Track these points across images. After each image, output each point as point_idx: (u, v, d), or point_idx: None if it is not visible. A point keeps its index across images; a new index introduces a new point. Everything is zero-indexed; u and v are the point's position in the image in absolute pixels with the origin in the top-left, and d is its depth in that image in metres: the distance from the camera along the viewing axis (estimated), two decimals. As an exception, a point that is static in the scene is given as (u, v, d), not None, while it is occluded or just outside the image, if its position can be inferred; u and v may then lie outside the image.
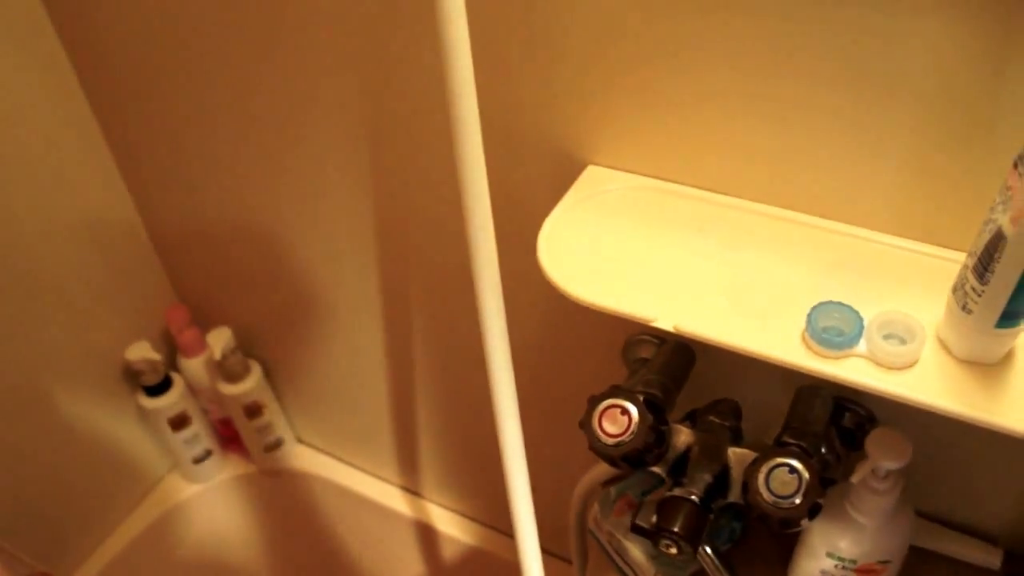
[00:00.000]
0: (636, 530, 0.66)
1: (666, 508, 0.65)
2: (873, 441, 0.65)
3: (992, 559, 0.78)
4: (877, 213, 0.65)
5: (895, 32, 0.56)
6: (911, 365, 0.57)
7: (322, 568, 1.50)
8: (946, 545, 0.79)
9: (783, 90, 0.62)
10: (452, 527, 1.28)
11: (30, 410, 1.15)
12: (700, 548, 0.67)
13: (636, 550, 0.74)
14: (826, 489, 0.66)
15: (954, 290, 0.57)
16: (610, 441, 0.64)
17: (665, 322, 0.60)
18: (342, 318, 1.11)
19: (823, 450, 0.68)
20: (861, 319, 0.58)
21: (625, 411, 0.64)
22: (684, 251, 0.66)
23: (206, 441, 1.33)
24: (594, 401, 0.65)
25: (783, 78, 0.61)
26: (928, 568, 0.79)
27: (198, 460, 1.34)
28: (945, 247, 0.64)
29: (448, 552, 1.31)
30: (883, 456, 0.64)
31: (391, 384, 1.16)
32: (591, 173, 0.74)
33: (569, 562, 0.96)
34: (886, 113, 0.59)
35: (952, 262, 0.61)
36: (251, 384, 1.25)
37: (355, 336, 1.13)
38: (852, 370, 0.57)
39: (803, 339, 0.59)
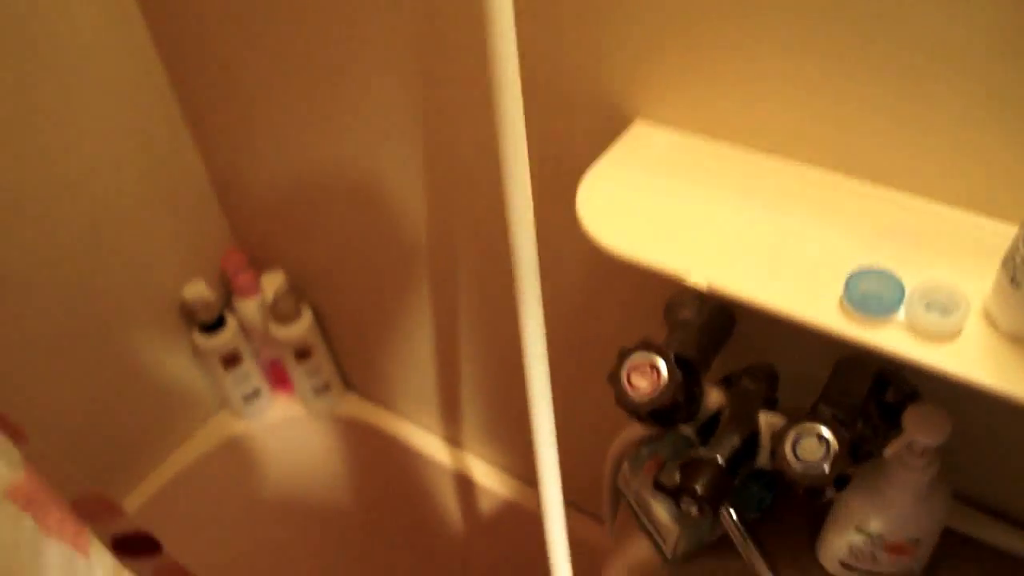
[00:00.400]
0: (659, 487, 0.66)
1: (689, 468, 0.64)
2: (911, 416, 0.63)
3: (1028, 546, 0.76)
4: (931, 181, 0.63)
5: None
6: (952, 337, 0.55)
7: (363, 511, 1.53)
8: (983, 531, 0.77)
9: (842, 50, 0.60)
10: (491, 480, 1.29)
11: (90, 341, 1.19)
12: (722, 510, 0.66)
13: (661, 509, 0.74)
14: (859, 461, 0.64)
15: (1004, 262, 0.55)
16: (637, 396, 0.63)
17: (699, 277, 0.59)
18: (392, 267, 1.12)
19: (860, 423, 0.67)
20: (902, 286, 0.56)
21: (655, 367, 0.64)
22: (727, 210, 0.65)
23: (256, 380, 1.36)
24: (624, 355, 0.65)
25: (843, 38, 0.59)
26: (962, 553, 0.76)
27: (248, 398, 1.37)
28: (1002, 219, 0.61)
29: (485, 504, 1.32)
30: (920, 431, 0.63)
31: (436, 336, 1.17)
32: (638, 127, 0.73)
33: (602, 522, 0.96)
34: (944, 79, 0.57)
35: (1007, 237, 0.58)
36: (302, 328, 1.27)
37: (403, 285, 1.14)
38: (888, 339, 0.55)
39: (840, 305, 0.57)
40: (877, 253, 0.60)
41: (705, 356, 0.69)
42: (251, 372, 1.35)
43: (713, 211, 0.64)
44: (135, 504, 1.31)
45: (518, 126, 0.62)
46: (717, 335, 0.72)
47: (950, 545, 0.74)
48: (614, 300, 0.91)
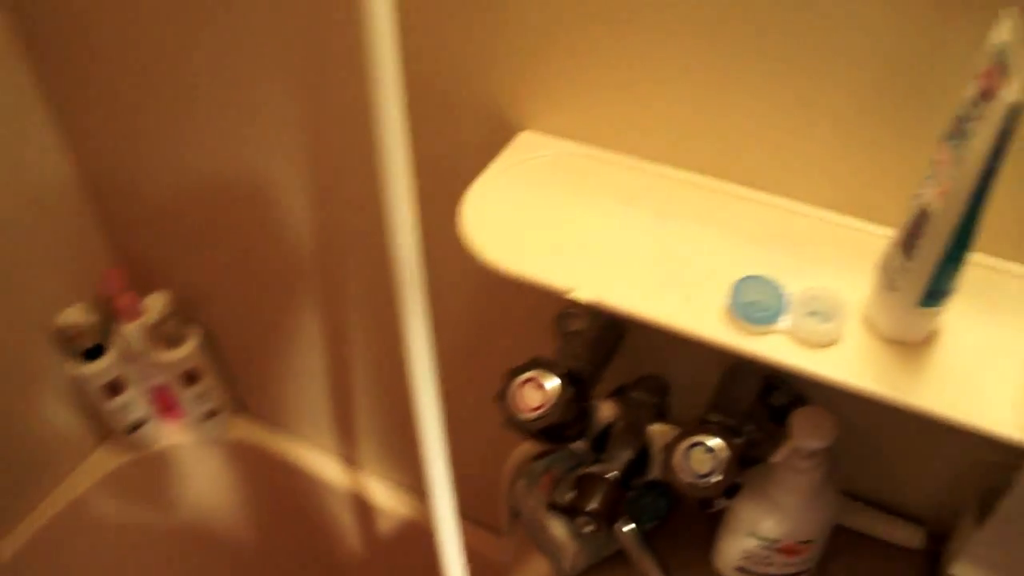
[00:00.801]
0: (553, 508, 0.65)
1: (582, 486, 0.63)
2: (797, 421, 0.64)
3: (915, 538, 0.78)
4: (813, 187, 0.64)
5: (833, 4, 0.54)
6: (833, 343, 0.56)
7: (261, 537, 1.48)
8: (871, 525, 0.79)
9: (721, 59, 0.60)
10: (390, 498, 1.27)
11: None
12: (617, 526, 0.66)
13: (557, 526, 0.73)
14: (749, 468, 0.65)
15: (881, 267, 0.56)
16: (526, 415, 0.62)
17: (585, 293, 0.58)
18: (281, 284, 1.09)
19: (750, 428, 0.68)
20: (783, 295, 0.56)
21: (543, 385, 0.63)
22: (613, 221, 0.64)
23: (142, 409, 1.30)
24: (513, 373, 0.64)
25: (722, 47, 0.59)
26: (852, 548, 0.78)
27: (133, 428, 1.31)
28: (881, 223, 0.62)
29: (385, 523, 1.29)
30: (806, 436, 0.63)
31: (328, 353, 1.14)
32: (524, 138, 0.72)
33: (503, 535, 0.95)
34: (822, 87, 0.58)
35: (887, 239, 0.60)
36: (189, 350, 1.22)
37: (293, 302, 1.10)
38: (772, 347, 0.56)
39: (726, 314, 0.57)
40: (762, 260, 0.60)
41: (596, 368, 0.69)
42: (136, 400, 1.29)
43: (601, 222, 0.64)
44: (7, 553, 1.23)
45: (399, 138, 0.60)
46: (608, 346, 0.72)
47: (839, 539, 0.76)
48: (507, 313, 0.90)
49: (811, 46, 0.57)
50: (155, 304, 1.20)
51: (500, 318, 0.91)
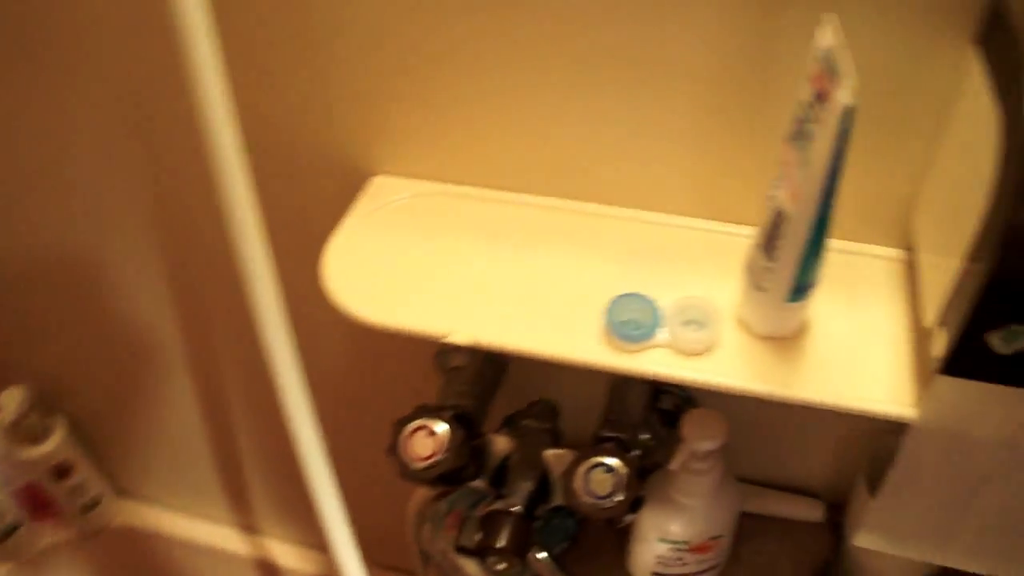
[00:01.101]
0: (462, 551, 0.64)
1: (488, 524, 0.62)
2: (687, 424, 0.65)
3: (815, 512, 0.80)
4: (672, 197, 0.64)
5: (665, 16, 0.55)
6: (711, 349, 0.57)
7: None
8: (772, 506, 0.81)
9: (563, 80, 0.60)
10: (295, 559, 1.22)
11: None
12: (531, 556, 0.65)
13: (470, 565, 0.72)
14: (649, 476, 0.65)
15: (746, 269, 0.57)
16: (420, 465, 0.60)
17: (461, 336, 0.57)
18: (144, 360, 1.03)
19: (645, 438, 0.68)
20: (657, 309, 0.57)
21: (433, 432, 0.61)
22: (480, 257, 0.63)
23: (11, 514, 1.21)
24: (400, 424, 0.62)
25: (561, 68, 0.59)
26: (759, 530, 0.80)
27: (5, 535, 1.22)
28: (743, 223, 0.64)
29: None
30: (699, 438, 0.64)
31: (205, 422, 1.09)
32: (378, 183, 0.70)
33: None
34: (664, 98, 0.59)
35: (750, 239, 0.61)
36: (55, 444, 1.15)
37: (160, 376, 1.05)
38: (653, 361, 0.56)
39: (604, 335, 0.57)
40: (633, 276, 0.60)
41: (483, 403, 0.68)
42: (4, 504, 1.20)
43: (467, 260, 0.63)
44: None
45: (246, 201, 0.57)
46: (492, 378, 0.71)
47: (745, 524, 0.77)
48: (387, 357, 0.88)
49: (647, 60, 0.57)
50: (10, 400, 1.12)
51: (380, 364, 0.89)
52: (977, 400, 0.50)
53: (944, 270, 0.50)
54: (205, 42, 0.52)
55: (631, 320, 0.56)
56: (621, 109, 0.61)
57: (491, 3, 0.58)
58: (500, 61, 0.61)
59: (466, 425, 0.63)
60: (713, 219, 0.64)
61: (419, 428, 0.61)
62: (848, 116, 0.43)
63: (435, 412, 0.62)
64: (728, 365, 0.55)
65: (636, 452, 0.63)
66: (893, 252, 0.62)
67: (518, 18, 0.58)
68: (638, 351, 0.56)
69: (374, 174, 0.71)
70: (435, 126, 0.66)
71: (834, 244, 0.61)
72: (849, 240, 0.61)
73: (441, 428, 0.61)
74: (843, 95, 0.42)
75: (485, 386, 0.69)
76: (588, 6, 0.56)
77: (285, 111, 0.69)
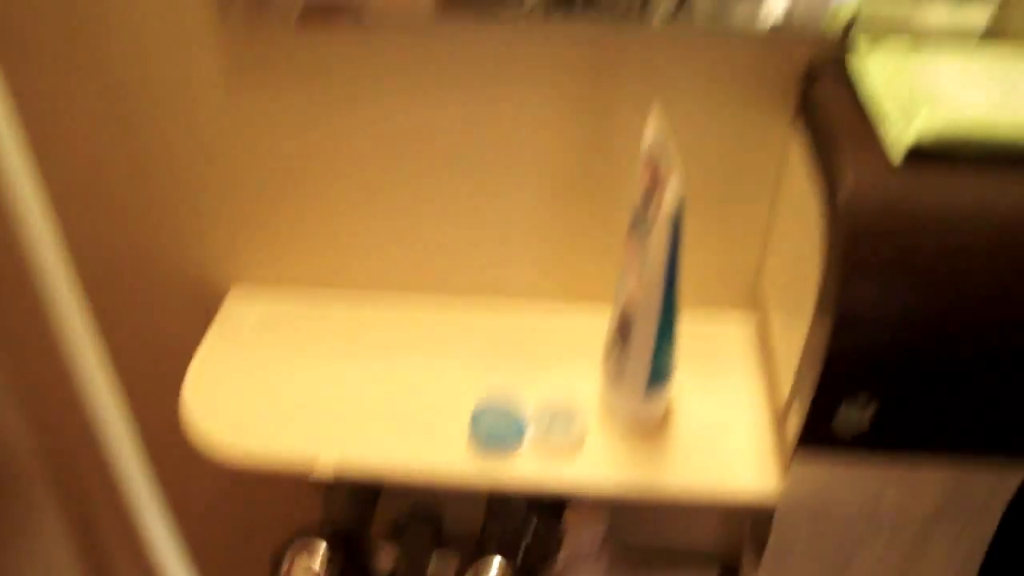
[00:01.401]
0: None
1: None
2: (569, 523, 0.65)
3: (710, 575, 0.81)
4: (531, 282, 0.65)
5: (509, 119, 0.56)
6: (579, 446, 0.57)
7: None
8: (667, 573, 0.81)
9: (414, 180, 0.61)
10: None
11: None
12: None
13: None
14: (539, 564, 0.65)
15: (605, 359, 0.58)
16: (303, 599, 0.59)
17: (325, 468, 0.56)
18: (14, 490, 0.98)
19: (530, 530, 0.67)
20: (519, 419, 0.57)
21: (311, 560, 0.59)
22: (343, 369, 0.62)
23: None
24: (278, 559, 0.60)
25: (405, 168, 0.60)
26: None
27: None
28: (596, 300, 0.65)
29: None
30: (580, 535, 0.64)
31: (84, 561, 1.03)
32: (237, 295, 0.69)
33: None
34: (511, 192, 0.60)
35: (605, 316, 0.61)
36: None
37: (29, 525, 0.99)
38: (521, 469, 0.55)
39: (471, 445, 0.57)
40: (496, 371, 0.61)
41: (364, 516, 0.66)
42: None
43: (332, 374, 0.62)
44: None
45: (85, 338, 0.55)
46: (371, 488, 0.70)
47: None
48: (264, 485, 0.84)
49: (490, 161, 0.58)
50: None
51: (257, 489, 0.86)
52: (831, 478, 0.52)
53: (792, 339, 0.51)
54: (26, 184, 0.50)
55: (495, 433, 0.56)
56: (473, 207, 0.61)
57: (336, 118, 0.58)
58: (351, 169, 0.61)
59: (347, 544, 0.62)
60: (571, 300, 0.65)
61: (296, 558, 0.60)
62: (677, 207, 0.44)
63: (310, 541, 0.60)
64: (596, 466, 0.55)
65: (519, 555, 0.62)
66: (748, 316, 0.64)
67: (368, 130, 0.58)
68: (508, 458, 0.56)
69: (232, 284, 0.69)
70: (291, 235, 0.65)
71: (689, 315, 0.62)
72: (705, 307, 0.63)
73: (319, 555, 0.60)
74: (670, 188, 0.44)
75: (364, 498, 0.68)
76: (433, 116, 0.57)
77: (127, 235, 0.67)
